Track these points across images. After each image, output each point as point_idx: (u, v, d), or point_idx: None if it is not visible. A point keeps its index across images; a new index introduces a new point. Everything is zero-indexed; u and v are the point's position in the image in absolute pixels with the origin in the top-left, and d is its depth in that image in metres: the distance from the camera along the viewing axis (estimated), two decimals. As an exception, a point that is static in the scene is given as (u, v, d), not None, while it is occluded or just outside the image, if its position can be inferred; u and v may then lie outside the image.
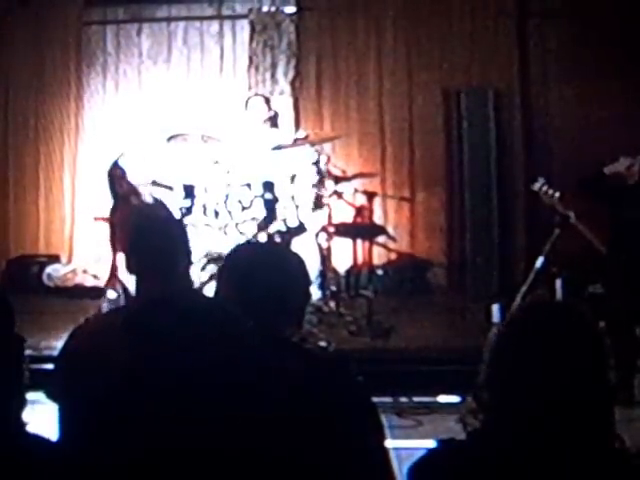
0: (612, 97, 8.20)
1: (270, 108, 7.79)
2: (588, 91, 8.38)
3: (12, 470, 1.88)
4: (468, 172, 8.48)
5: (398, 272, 8.57)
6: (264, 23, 8.89)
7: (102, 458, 2.12)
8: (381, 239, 8.62)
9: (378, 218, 8.58)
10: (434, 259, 8.69)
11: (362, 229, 8.32)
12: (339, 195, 7.49)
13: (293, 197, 7.00)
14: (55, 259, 8.77)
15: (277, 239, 6.82)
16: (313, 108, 8.88)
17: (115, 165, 5.87)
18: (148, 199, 5.85)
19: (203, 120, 8.10)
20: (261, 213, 6.92)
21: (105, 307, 5.32)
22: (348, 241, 8.18)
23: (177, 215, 6.70)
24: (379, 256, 8.56)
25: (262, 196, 6.95)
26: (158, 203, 5.99)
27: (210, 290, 4.51)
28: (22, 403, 2.01)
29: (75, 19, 9.02)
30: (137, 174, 5.83)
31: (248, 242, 5.78)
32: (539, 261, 5.75)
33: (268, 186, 6.98)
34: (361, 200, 8.11)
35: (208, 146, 7.26)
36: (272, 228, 6.91)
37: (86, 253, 8.81)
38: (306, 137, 7.13)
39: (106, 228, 5.79)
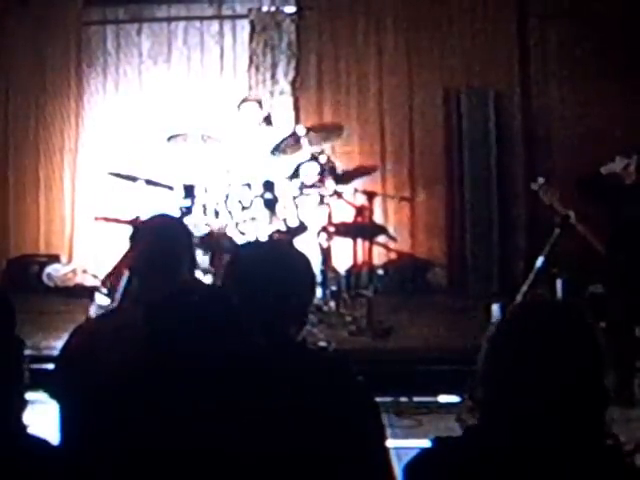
0: (612, 97, 8.20)
1: (262, 109, 7.78)
2: (588, 91, 8.38)
3: (12, 471, 1.88)
4: (468, 172, 8.48)
5: (398, 272, 8.56)
6: (264, 23, 8.89)
7: (103, 457, 2.12)
8: (381, 239, 8.62)
9: (378, 218, 8.57)
10: (434, 259, 8.69)
11: (362, 229, 8.31)
12: (339, 195, 7.48)
13: (294, 197, 7.01)
14: (55, 259, 8.76)
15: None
16: (313, 108, 8.88)
17: None
18: None
19: (203, 120, 8.10)
20: (261, 213, 6.93)
21: (93, 311, 5.33)
22: (348, 241, 8.18)
23: (177, 215, 6.70)
24: (379, 256, 8.56)
25: (262, 196, 6.95)
26: None
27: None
28: (22, 404, 2.01)
29: (75, 19, 9.02)
30: None
31: (255, 241, 5.77)
32: (539, 261, 5.74)
33: (268, 186, 6.98)
34: (361, 200, 8.10)
35: (208, 146, 7.26)
36: (272, 228, 6.92)
37: (86, 253, 8.81)
38: (307, 132, 7.11)
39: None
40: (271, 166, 7.20)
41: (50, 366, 3.02)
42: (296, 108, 8.87)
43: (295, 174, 7.15)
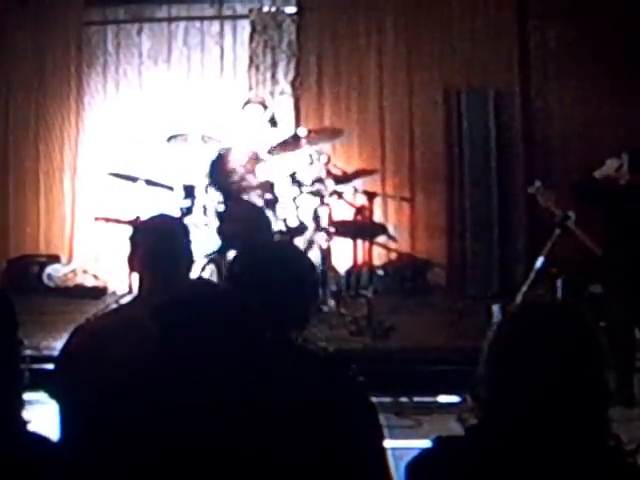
0: (611, 97, 8.20)
1: (266, 110, 7.77)
2: (588, 91, 8.38)
3: (13, 468, 1.89)
4: (468, 172, 8.48)
5: (398, 272, 8.56)
6: (265, 23, 8.89)
7: (103, 457, 2.12)
8: (381, 239, 8.61)
9: (378, 218, 8.57)
10: (434, 259, 8.69)
11: (362, 229, 8.31)
12: (339, 195, 7.48)
13: (294, 197, 7.01)
14: (55, 259, 8.76)
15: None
16: (314, 108, 8.88)
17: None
18: None
19: (203, 120, 8.10)
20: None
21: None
22: (348, 241, 8.17)
23: (177, 215, 6.70)
24: (379, 256, 8.55)
25: (262, 196, 6.95)
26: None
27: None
28: (21, 404, 2.02)
29: (75, 19, 9.02)
30: None
31: (260, 242, 5.76)
32: (539, 261, 5.75)
33: (268, 186, 6.98)
34: (361, 200, 8.09)
35: (208, 146, 7.26)
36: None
37: (86, 253, 8.80)
38: (308, 134, 7.11)
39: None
40: (271, 167, 7.20)
41: (50, 366, 3.02)
42: (296, 108, 8.87)
43: (295, 174, 7.15)
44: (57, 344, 4.61)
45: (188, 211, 6.99)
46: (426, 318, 7.26)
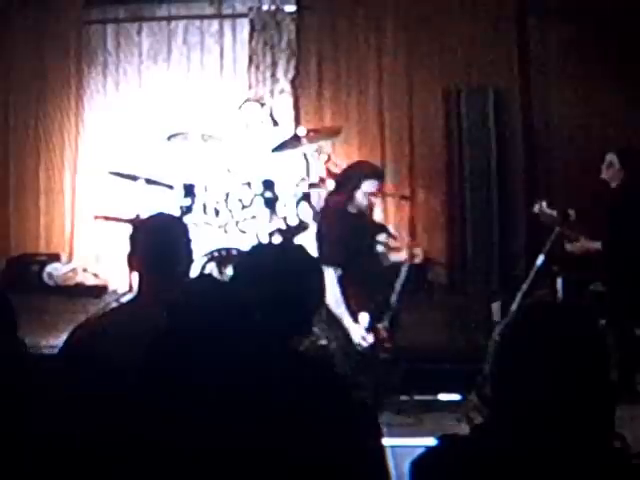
0: (612, 97, 8.20)
1: (263, 109, 7.76)
2: (588, 91, 8.37)
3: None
4: (468, 171, 8.48)
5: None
6: (264, 22, 8.89)
7: (103, 457, 2.12)
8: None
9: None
10: (434, 258, 8.68)
11: (362, 228, 8.28)
12: (339, 194, 7.46)
13: (294, 196, 7.01)
14: (55, 258, 8.77)
15: (278, 238, 6.83)
16: (313, 107, 8.88)
17: None
18: None
19: (203, 119, 8.10)
20: (261, 211, 6.93)
21: None
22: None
23: (177, 214, 6.70)
24: (379, 255, 8.55)
25: (262, 194, 6.95)
26: None
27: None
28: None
29: (75, 18, 9.02)
30: None
31: (266, 244, 5.76)
32: (539, 259, 5.74)
33: (268, 184, 6.98)
34: (361, 199, 8.09)
35: (208, 145, 7.26)
36: (272, 226, 6.92)
37: (86, 252, 8.81)
38: (308, 133, 7.11)
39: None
40: (271, 165, 7.20)
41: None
42: (296, 107, 8.86)
43: (295, 173, 7.15)
44: (57, 343, 4.60)
45: (188, 210, 6.99)
46: (427, 317, 7.26)
